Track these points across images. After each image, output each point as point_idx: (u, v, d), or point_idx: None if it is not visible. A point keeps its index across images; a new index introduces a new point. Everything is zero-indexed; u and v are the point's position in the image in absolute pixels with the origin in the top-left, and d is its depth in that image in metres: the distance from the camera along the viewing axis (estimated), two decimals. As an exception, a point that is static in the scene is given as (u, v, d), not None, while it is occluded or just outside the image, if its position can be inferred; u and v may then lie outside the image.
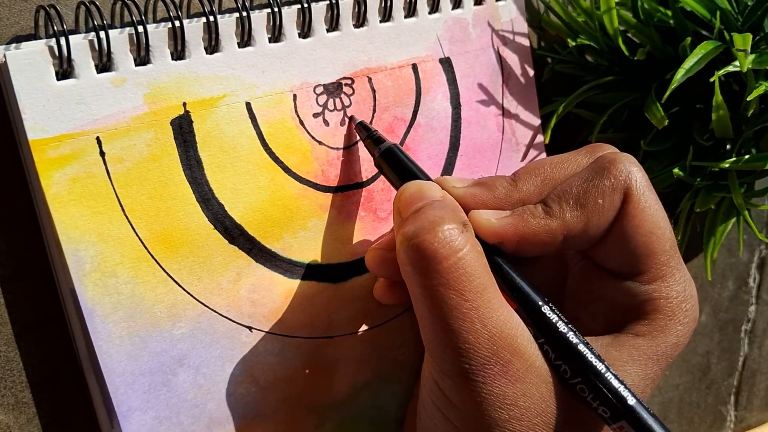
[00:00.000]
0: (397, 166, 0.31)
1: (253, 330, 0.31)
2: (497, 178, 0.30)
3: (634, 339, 0.28)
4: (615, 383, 0.26)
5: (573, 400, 0.27)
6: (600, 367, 0.27)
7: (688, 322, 0.29)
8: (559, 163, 0.30)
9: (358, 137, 0.33)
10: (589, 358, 0.27)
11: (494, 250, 0.28)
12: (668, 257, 0.29)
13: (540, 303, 0.28)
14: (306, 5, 0.31)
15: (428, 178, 0.30)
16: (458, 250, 0.26)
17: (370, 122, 0.33)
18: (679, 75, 0.33)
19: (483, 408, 0.26)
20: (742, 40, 0.33)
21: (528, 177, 0.30)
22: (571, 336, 0.27)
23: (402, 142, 0.34)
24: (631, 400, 0.26)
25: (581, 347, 0.27)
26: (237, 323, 0.31)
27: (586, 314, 0.30)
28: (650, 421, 0.26)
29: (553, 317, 0.27)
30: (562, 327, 0.27)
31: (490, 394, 0.26)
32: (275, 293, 0.31)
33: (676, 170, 0.37)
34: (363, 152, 0.33)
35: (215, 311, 0.30)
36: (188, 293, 0.29)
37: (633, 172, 0.28)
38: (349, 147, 0.33)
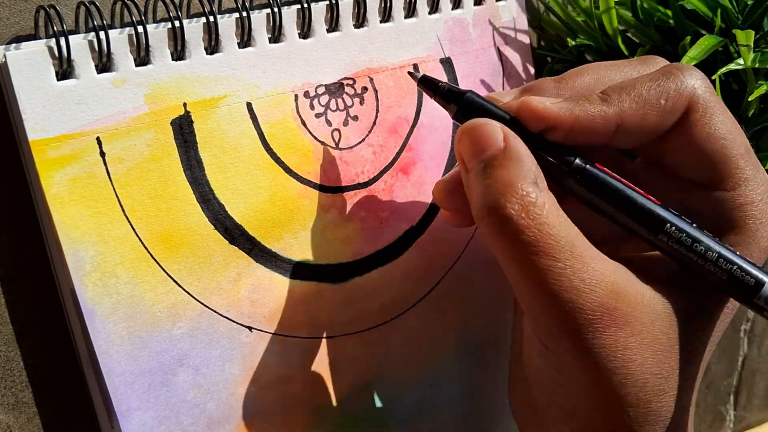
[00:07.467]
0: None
1: (253, 330, 0.31)
2: (543, 79, 0.29)
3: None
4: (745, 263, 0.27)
5: (674, 320, 0.27)
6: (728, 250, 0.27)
7: None
8: (615, 65, 0.29)
9: (359, 139, 0.33)
10: (716, 243, 0.27)
11: (572, 152, 0.28)
12: (745, 161, 0.28)
13: (650, 203, 0.27)
14: (306, 5, 0.31)
15: (503, 115, 0.28)
16: (540, 213, 0.26)
17: (374, 121, 0.33)
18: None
19: (598, 361, 0.26)
20: (745, 36, 0.33)
21: (578, 75, 0.29)
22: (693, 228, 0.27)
23: (405, 142, 0.34)
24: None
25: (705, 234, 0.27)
26: (237, 323, 0.31)
27: None
28: None
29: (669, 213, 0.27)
30: (679, 221, 0.27)
31: (602, 346, 0.26)
32: (275, 293, 0.31)
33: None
34: (365, 152, 0.33)
35: (215, 311, 0.30)
36: (188, 293, 0.29)
37: (700, 81, 0.28)
38: (351, 147, 0.33)
